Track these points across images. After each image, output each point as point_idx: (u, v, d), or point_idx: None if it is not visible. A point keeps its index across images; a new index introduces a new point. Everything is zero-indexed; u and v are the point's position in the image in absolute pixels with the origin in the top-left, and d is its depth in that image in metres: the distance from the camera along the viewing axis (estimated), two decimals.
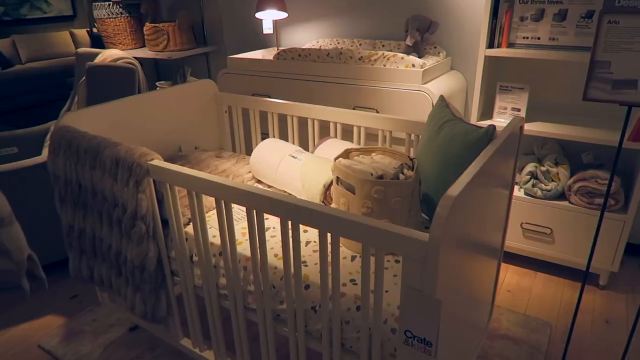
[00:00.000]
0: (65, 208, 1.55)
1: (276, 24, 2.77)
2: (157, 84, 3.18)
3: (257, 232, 1.12)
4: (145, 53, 3.18)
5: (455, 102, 2.25)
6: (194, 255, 1.37)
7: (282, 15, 2.62)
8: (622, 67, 1.12)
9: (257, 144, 2.05)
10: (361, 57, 2.15)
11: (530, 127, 1.98)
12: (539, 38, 1.94)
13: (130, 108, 1.73)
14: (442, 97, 1.47)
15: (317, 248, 1.29)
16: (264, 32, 2.73)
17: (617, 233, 1.91)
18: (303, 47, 2.32)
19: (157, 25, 3.00)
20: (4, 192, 1.95)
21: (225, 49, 3.21)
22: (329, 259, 1.19)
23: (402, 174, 1.22)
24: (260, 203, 1.05)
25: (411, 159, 1.28)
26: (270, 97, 2.41)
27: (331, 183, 1.43)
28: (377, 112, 2.14)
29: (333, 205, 1.31)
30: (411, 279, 0.88)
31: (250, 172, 1.73)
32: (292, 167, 1.53)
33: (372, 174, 1.17)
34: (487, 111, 2.20)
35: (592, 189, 1.91)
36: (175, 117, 1.93)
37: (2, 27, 5.55)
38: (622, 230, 1.90)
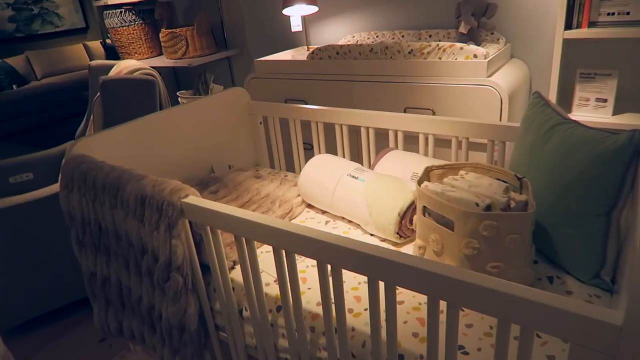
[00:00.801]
0: (85, 252, 1.30)
1: (305, 20, 2.49)
2: (178, 94, 2.94)
3: (331, 289, 0.85)
4: (163, 61, 2.94)
5: (521, 95, 1.94)
6: (244, 309, 1.11)
7: (312, 9, 2.34)
8: None
9: (299, 159, 1.78)
10: (411, 50, 1.86)
11: (619, 120, 1.66)
12: (628, 13, 1.61)
13: (152, 127, 1.48)
14: (538, 94, 1.17)
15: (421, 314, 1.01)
16: (293, 29, 2.45)
17: None
18: (341, 44, 2.03)
19: (174, 30, 2.76)
20: (17, 225, 1.73)
21: (249, 51, 2.95)
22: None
23: (512, 199, 0.93)
24: (341, 258, 0.77)
25: (518, 178, 0.99)
26: (306, 102, 2.14)
27: (407, 209, 1.15)
28: (434, 112, 1.84)
29: (417, 242, 1.03)
30: None
31: (299, 195, 1.45)
32: (353, 190, 1.25)
33: (477, 204, 0.89)
34: (563, 104, 1.88)
35: None
36: (205, 133, 1.67)
37: (16, 43, 5.41)
38: None
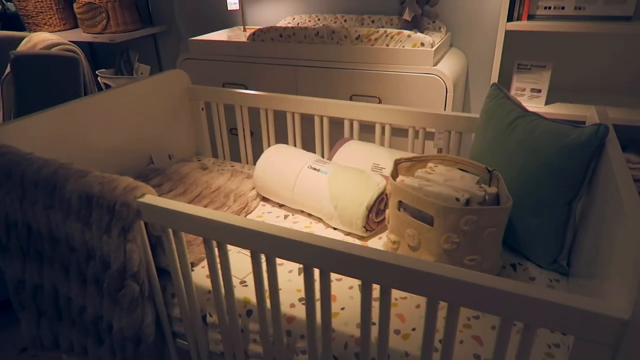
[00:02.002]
0: (10, 259, 1.13)
1: None
2: (97, 73, 2.66)
3: (316, 294, 0.80)
4: (79, 36, 2.64)
5: (461, 85, 1.99)
6: (207, 315, 1.02)
7: None
8: None
9: (246, 148, 1.69)
10: (358, 36, 1.82)
11: (551, 110, 1.77)
12: (563, 7, 1.71)
13: (81, 113, 1.30)
14: (496, 86, 1.20)
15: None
16: (229, 8, 2.31)
17: None
18: (283, 26, 1.95)
19: (92, 1, 2.48)
20: None
21: (177, 29, 2.74)
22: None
23: (487, 193, 0.94)
24: (332, 263, 0.73)
25: (489, 171, 1.00)
26: (246, 87, 2.03)
27: (374, 203, 1.13)
28: (380, 100, 1.84)
29: (390, 237, 1.01)
30: None
31: (253, 188, 1.37)
32: (316, 183, 1.20)
33: (457, 199, 0.88)
34: None
35: None
36: (141, 120, 1.51)
37: None
38: None
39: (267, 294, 0.96)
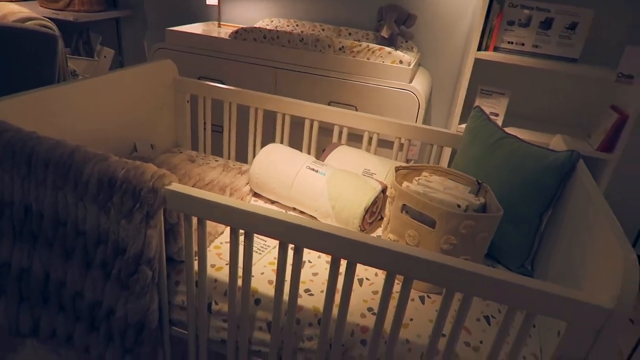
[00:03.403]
0: None
1: None
2: None
3: (337, 283, 0.88)
4: (35, 9, 2.49)
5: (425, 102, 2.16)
6: (213, 302, 1.05)
7: None
8: None
9: (230, 144, 1.71)
10: (342, 47, 1.92)
11: None
12: (523, 44, 1.93)
13: (65, 97, 1.26)
14: (479, 108, 1.35)
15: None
16: (208, 2, 2.31)
17: None
18: (269, 29, 2.00)
19: None
20: None
21: (143, 15, 2.67)
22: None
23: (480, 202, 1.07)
24: (359, 252, 0.81)
25: (479, 183, 1.14)
26: (223, 83, 2.05)
27: (370, 206, 1.22)
28: (356, 109, 1.95)
29: (390, 236, 1.11)
30: (574, 348, 0.75)
31: (247, 184, 1.41)
32: (314, 183, 1.27)
33: (459, 206, 1.00)
34: (463, 113, 2.16)
35: None
36: (126, 108, 1.49)
37: None
38: None
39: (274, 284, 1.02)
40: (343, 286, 0.87)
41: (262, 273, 1.09)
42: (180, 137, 1.77)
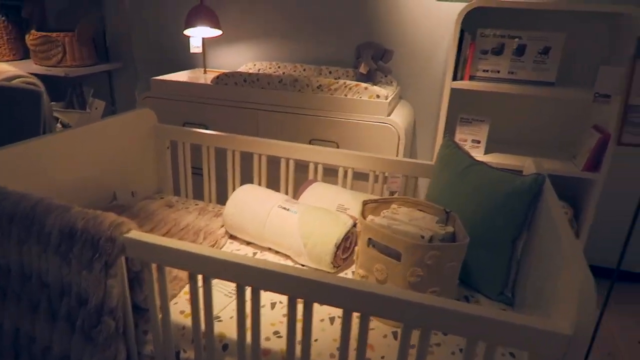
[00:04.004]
0: None
1: (204, 42, 2.45)
2: None
3: (299, 325, 0.86)
4: (29, 67, 2.59)
5: (409, 134, 2.18)
6: (181, 351, 1.04)
7: (215, 33, 2.32)
8: None
9: (210, 187, 1.73)
10: (320, 85, 1.96)
11: (489, 159, 1.98)
12: (498, 71, 1.95)
13: (45, 149, 1.30)
14: (449, 137, 1.35)
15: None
16: (192, 50, 2.39)
17: None
18: (248, 72, 2.05)
19: (48, 34, 2.46)
20: None
21: (134, 67, 2.76)
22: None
23: (445, 231, 1.05)
24: (315, 292, 0.79)
25: (446, 212, 1.12)
26: (207, 127, 2.09)
27: (342, 241, 1.21)
28: (338, 145, 1.97)
29: (359, 271, 1.09)
30: None
31: (222, 226, 1.41)
32: (286, 222, 1.27)
33: (422, 237, 0.99)
34: None
35: None
36: (107, 157, 1.52)
37: None
38: None
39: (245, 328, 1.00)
40: (303, 327, 0.85)
41: (232, 317, 1.07)
42: (162, 183, 1.79)
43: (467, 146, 2.04)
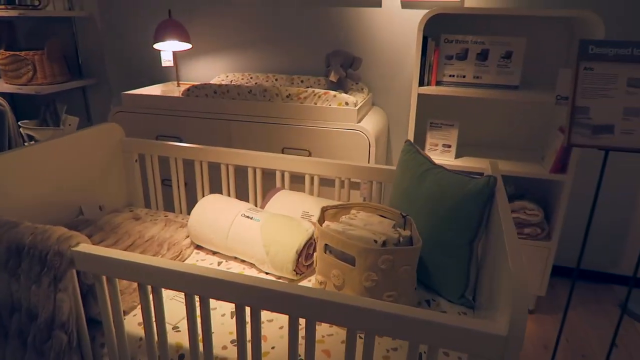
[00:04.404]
0: None
1: (176, 55, 2.46)
2: (20, 124, 2.58)
3: (248, 331, 0.86)
4: (1, 86, 2.57)
5: (383, 139, 2.19)
6: None
7: (185, 46, 2.33)
8: (600, 113, 1.13)
9: (180, 198, 1.72)
10: (289, 94, 1.97)
11: (460, 163, 2.00)
12: (464, 76, 1.98)
13: (9, 164, 1.29)
14: (410, 142, 1.37)
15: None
16: (163, 64, 2.39)
17: (544, 259, 2.00)
18: (218, 84, 2.06)
19: (17, 53, 2.46)
20: None
21: (108, 82, 2.76)
22: None
23: (400, 235, 1.06)
24: (262, 300, 0.79)
25: (403, 216, 1.13)
26: (180, 140, 2.09)
27: (303, 247, 1.21)
28: (310, 153, 1.97)
29: (317, 278, 1.09)
30: None
31: (187, 236, 1.41)
32: (249, 230, 1.27)
33: (375, 241, 1.00)
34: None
35: (522, 219, 1.98)
36: (72, 172, 1.52)
37: None
38: (548, 257, 2.00)
39: (200, 338, 0.99)
40: (251, 335, 0.85)
41: (177, 329, 1.06)
42: (132, 196, 1.78)
43: (438, 151, 2.06)
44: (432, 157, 2.05)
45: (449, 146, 2.04)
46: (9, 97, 3.01)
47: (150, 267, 0.86)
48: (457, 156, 2.08)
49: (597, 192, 1.27)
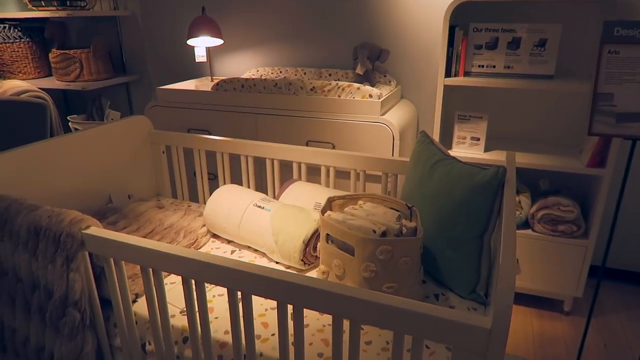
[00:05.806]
0: None
1: (209, 51, 2.53)
2: (69, 118, 2.75)
3: (241, 318, 0.88)
4: (52, 83, 2.75)
5: (410, 133, 2.15)
6: (147, 343, 1.07)
7: (217, 42, 2.39)
8: (626, 99, 1.06)
9: (204, 189, 1.78)
10: (313, 87, 1.98)
11: (489, 157, 1.92)
12: (494, 66, 1.90)
13: (45, 154, 1.39)
14: (424, 133, 1.34)
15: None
16: (197, 60, 2.47)
17: (580, 259, 1.90)
18: (246, 78, 2.10)
19: (66, 52, 2.61)
20: None
21: (149, 78, 2.88)
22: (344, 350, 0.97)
23: (404, 226, 1.04)
24: (252, 285, 0.81)
25: (409, 207, 1.11)
26: (210, 133, 2.15)
27: (311, 237, 1.22)
28: (334, 146, 1.97)
29: (321, 267, 1.10)
30: None
31: (204, 225, 1.45)
32: (260, 220, 1.29)
33: (374, 231, 0.98)
34: (445, 141, 2.13)
35: (556, 216, 1.89)
36: (103, 162, 1.60)
37: None
38: (585, 256, 1.89)
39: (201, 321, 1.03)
40: (244, 319, 0.86)
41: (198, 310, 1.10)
42: (160, 186, 1.86)
43: (467, 144, 2.00)
44: (460, 150, 1.99)
45: (478, 139, 1.97)
46: (61, 93, 3.22)
47: (150, 251, 0.89)
48: (487, 150, 2.00)
49: (623, 186, 1.18)
